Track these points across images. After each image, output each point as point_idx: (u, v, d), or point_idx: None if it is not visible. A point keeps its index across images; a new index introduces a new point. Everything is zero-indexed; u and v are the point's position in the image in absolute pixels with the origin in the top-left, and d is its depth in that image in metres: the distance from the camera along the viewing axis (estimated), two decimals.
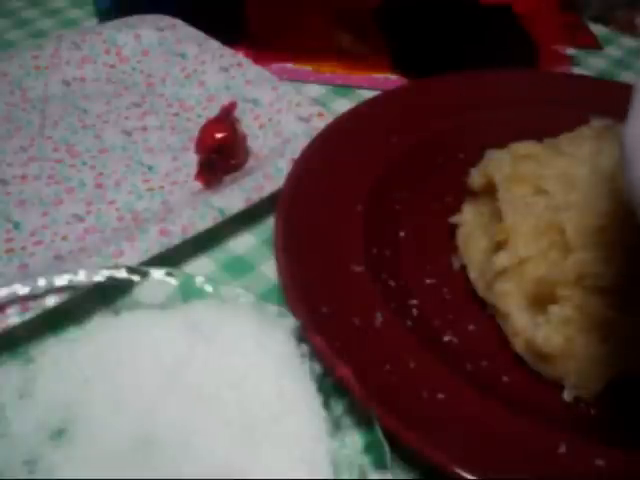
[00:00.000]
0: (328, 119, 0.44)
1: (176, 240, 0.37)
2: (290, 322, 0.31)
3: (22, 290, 0.32)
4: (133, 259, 0.35)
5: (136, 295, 0.33)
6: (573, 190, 0.34)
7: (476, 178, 0.38)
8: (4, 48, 0.57)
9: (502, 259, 0.34)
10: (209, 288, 0.33)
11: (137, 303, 0.33)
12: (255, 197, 0.39)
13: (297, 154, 0.41)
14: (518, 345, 0.32)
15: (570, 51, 0.56)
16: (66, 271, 0.33)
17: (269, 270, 0.38)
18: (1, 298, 0.31)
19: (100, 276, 0.33)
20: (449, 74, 0.48)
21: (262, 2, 0.53)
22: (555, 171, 0.35)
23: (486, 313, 0.35)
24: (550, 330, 0.31)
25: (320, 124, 0.44)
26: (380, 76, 0.53)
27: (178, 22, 0.54)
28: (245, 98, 0.48)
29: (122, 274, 0.33)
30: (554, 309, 0.32)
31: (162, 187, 0.43)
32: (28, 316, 0.32)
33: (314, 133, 0.43)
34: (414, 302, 0.36)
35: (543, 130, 0.40)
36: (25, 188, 0.42)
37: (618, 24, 0.64)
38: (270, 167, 0.41)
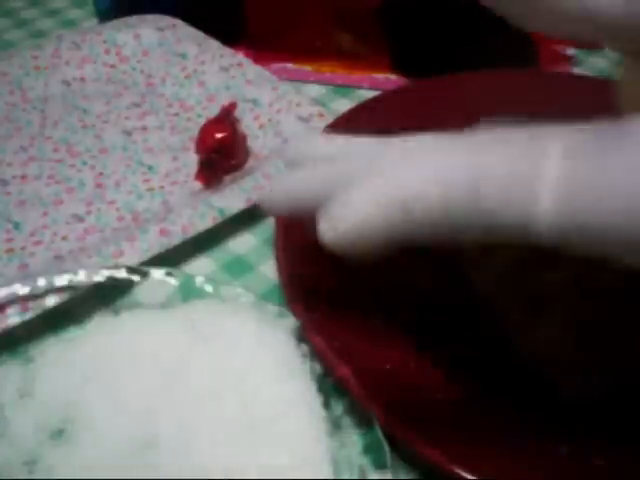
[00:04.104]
0: (328, 119, 0.44)
1: (176, 240, 0.37)
2: (290, 322, 0.31)
3: (22, 290, 0.32)
4: (133, 259, 0.35)
5: (136, 295, 0.33)
6: None
7: None
8: (4, 48, 0.57)
9: (502, 258, 0.34)
10: (209, 288, 0.33)
11: (137, 303, 0.33)
12: (255, 197, 0.39)
13: None
14: (518, 345, 0.32)
15: (570, 51, 0.56)
16: (66, 271, 0.33)
17: (269, 270, 0.38)
18: (1, 298, 0.31)
19: (100, 276, 0.33)
20: (449, 74, 0.48)
21: (262, 2, 0.53)
22: None
23: (486, 313, 0.35)
24: (550, 330, 0.31)
25: (320, 124, 0.44)
26: (380, 76, 0.53)
27: (178, 22, 0.54)
28: (245, 98, 0.48)
29: (122, 274, 0.33)
30: (554, 309, 0.32)
31: (162, 187, 0.43)
32: (28, 316, 0.32)
33: None
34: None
35: None
36: (25, 188, 0.42)
37: None
38: (270, 167, 0.41)
